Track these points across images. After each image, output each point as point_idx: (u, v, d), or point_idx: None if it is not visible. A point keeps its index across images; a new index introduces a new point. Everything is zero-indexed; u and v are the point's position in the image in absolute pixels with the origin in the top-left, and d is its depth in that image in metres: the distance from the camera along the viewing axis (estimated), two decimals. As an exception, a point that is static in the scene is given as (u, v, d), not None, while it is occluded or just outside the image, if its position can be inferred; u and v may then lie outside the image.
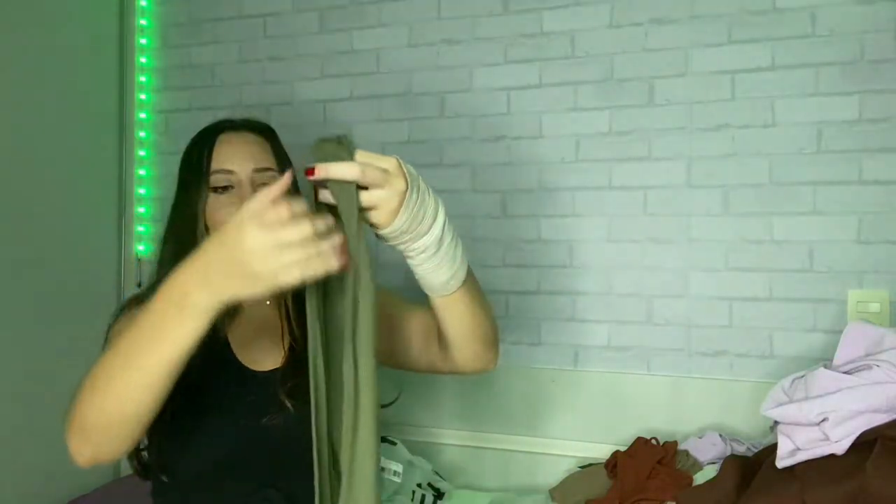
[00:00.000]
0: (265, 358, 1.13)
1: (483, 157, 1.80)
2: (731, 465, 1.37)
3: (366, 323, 0.87)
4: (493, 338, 1.12)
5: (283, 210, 0.76)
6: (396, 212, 0.88)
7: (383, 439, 1.68)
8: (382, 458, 1.59)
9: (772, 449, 1.28)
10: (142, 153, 2.13)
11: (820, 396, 1.20)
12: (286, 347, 1.14)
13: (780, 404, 1.25)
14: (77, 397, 0.87)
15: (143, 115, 2.14)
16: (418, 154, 1.82)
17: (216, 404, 1.07)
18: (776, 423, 1.28)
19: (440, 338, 1.11)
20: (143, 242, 2.12)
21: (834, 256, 1.56)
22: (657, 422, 1.66)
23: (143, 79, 2.14)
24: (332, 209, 0.87)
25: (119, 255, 2.11)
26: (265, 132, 1.21)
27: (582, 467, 1.63)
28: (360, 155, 0.87)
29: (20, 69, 1.83)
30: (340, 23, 1.93)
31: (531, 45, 1.77)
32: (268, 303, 1.19)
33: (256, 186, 1.14)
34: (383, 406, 1.21)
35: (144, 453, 1.10)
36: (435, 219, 0.92)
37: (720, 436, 1.53)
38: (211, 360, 1.08)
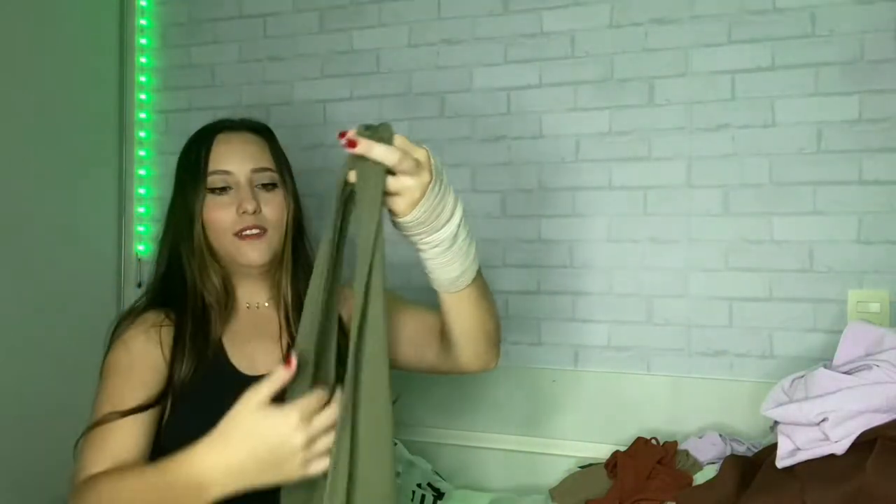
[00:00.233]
0: (262, 360, 1.13)
1: (483, 157, 1.80)
2: (731, 465, 1.37)
3: (377, 319, 0.86)
4: (496, 338, 1.12)
5: (325, 410, 0.84)
6: (417, 202, 0.88)
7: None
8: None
9: (772, 449, 1.28)
10: (142, 153, 2.13)
11: (820, 396, 1.20)
12: (285, 349, 1.14)
13: (780, 404, 1.24)
14: None
15: (143, 115, 2.14)
16: (418, 154, 1.81)
17: (210, 412, 1.06)
18: (776, 423, 1.28)
19: (442, 337, 1.11)
20: (143, 242, 2.12)
21: (834, 256, 1.56)
22: (657, 422, 1.66)
23: (143, 79, 2.14)
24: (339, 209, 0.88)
25: (119, 255, 2.11)
26: (263, 132, 1.20)
27: (582, 467, 1.63)
28: (398, 139, 0.86)
29: (20, 69, 1.83)
30: (340, 23, 1.93)
31: (531, 45, 1.77)
32: (266, 303, 1.19)
33: (254, 187, 1.14)
34: None
35: None
36: (452, 215, 0.92)
37: (720, 436, 1.53)
38: (204, 365, 1.08)
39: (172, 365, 1.07)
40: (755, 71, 1.60)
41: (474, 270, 1.00)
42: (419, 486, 1.64)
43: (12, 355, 1.77)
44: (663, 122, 1.67)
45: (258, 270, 1.15)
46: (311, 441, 0.82)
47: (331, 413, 0.83)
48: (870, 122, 1.53)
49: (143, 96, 2.13)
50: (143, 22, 2.13)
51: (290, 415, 0.82)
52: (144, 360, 1.06)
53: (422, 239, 0.92)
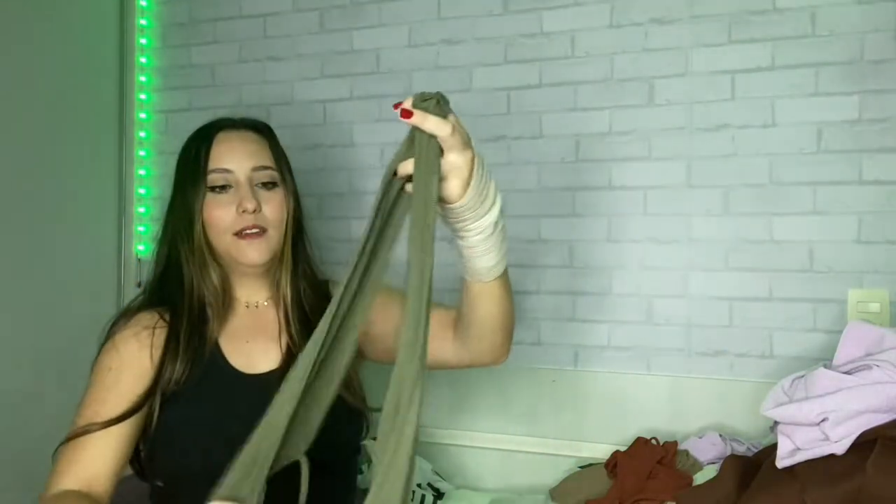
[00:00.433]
0: (260, 360, 1.12)
1: (483, 157, 1.79)
2: (731, 465, 1.37)
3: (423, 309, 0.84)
4: (512, 330, 1.11)
5: None
6: (467, 183, 0.87)
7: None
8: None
9: (772, 449, 1.27)
10: (142, 153, 2.13)
11: (820, 396, 1.20)
12: (284, 348, 1.14)
13: (780, 404, 1.24)
14: None
15: (143, 115, 2.14)
16: (418, 154, 1.81)
17: (207, 412, 1.06)
18: (776, 423, 1.28)
19: (456, 330, 1.10)
20: (143, 242, 2.12)
21: (834, 256, 1.56)
22: (657, 422, 1.66)
23: (143, 79, 2.14)
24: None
25: (119, 255, 2.11)
26: (263, 130, 1.20)
27: (582, 467, 1.63)
28: (451, 117, 0.86)
29: (20, 69, 1.83)
30: (340, 23, 1.93)
31: (531, 45, 1.77)
32: (265, 302, 1.19)
33: (254, 185, 1.13)
34: (381, 409, 1.20)
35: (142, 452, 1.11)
36: (495, 199, 0.92)
37: (720, 436, 1.53)
38: (200, 365, 1.08)
39: (163, 366, 1.06)
40: (755, 71, 1.60)
41: (506, 259, 0.99)
42: (419, 486, 1.64)
43: (12, 355, 1.77)
44: (663, 122, 1.67)
45: (258, 269, 1.15)
46: None
47: None
48: (870, 122, 1.53)
49: (143, 96, 2.13)
50: (143, 22, 2.13)
51: None
52: (132, 366, 1.06)
53: (467, 225, 0.91)
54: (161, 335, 1.09)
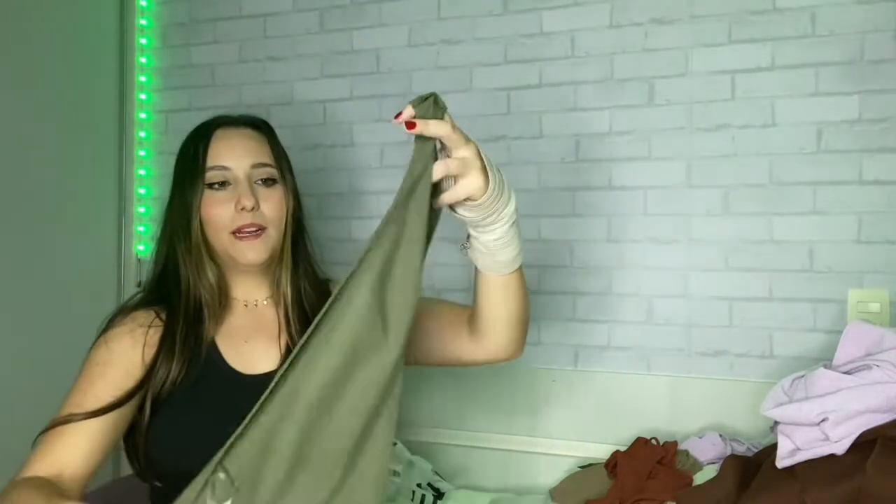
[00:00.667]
0: (259, 360, 1.12)
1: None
2: (731, 465, 1.37)
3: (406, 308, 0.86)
4: (528, 324, 1.12)
5: None
6: (484, 172, 0.89)
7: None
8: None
9: (772, 449, 1.27)
10: (142, 153, 2.13)
11: (820, 396, 1.20)
12: (283, 348, 1.13)
13: (780, 404, 1.24)
14: None
15: (143, 115, 2.14)
16: (418, 154, 1.81)
17: (205, 412, 1.06)
18: (776, 423, 1.28)
19: (471, 327, 1.11)
20: (143, 242, 2.12)
21: (834, 256, 1.56)
22: (657, 422, 1.65)
23: (143, 79, 2.14)
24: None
25: (119, 255, 2.11)
26: (262, 128, 1.19)
27: (582, 467, 1.63)
28: (448, 117, 0.89)
29: (20, 69, 1.83)
30: (340, 23, 1.93)
31: (531, 45, 1.77)
32: (265, 301, 1.18)
33: (253, 183, 1.13)
34: None
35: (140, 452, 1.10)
36: (510, 189, 0.93)
37: (720, 436, 1.53)
38: (197, 365, 1.08)
39: (155, 364, 1.06)
40: (755, 71, 1.60)
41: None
42: (419, 486, 1.64)
43: (12, 355, 1.77)
44: (663, 122, 1.67)
45: (256, 268, 1.14)
46: None
47: None
48: (870, 122, 1.53)
49: (143, 96, 2.13)
50: (143, 22, 2.13)
51: None
52: (122, 362, 1.06)
53: (497, 216, 0.92)
54: (156, 334, 1.09)
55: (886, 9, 1.52)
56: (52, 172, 1.91)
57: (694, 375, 1.65)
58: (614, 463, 1.53)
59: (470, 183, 0.88)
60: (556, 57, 1.75)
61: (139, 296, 1.17)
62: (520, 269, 1.02)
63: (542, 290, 1.76)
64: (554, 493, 1.59)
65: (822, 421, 1.18)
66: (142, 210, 2.13)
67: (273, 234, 1.12)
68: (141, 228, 2.13)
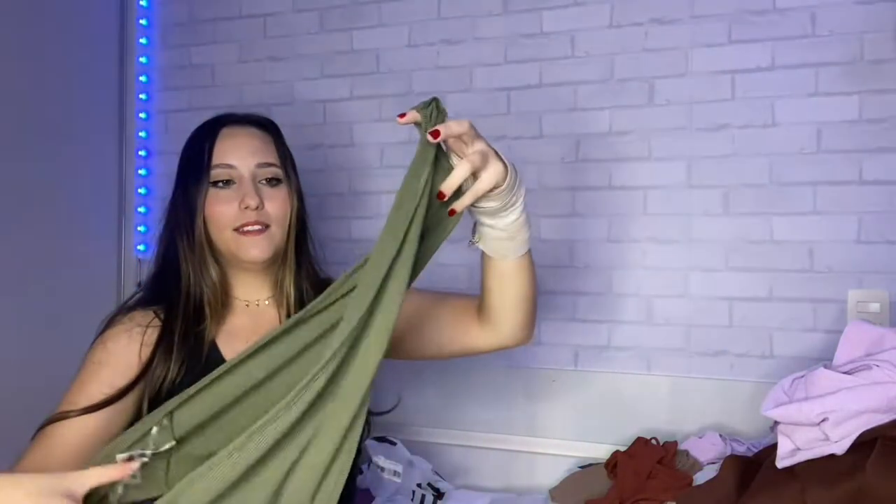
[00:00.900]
0: None
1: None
2: (731, 465, 1.37)
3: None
4: (536, 307, 1.15)
5: None
6: (499, 158, 0.94)
7: (383, 439, 1.68)
8: (382, 458, 1.59)
9: (772, 449, 1.27)
10: (142, 153, 2.13)
11: (820, 396, 1.20)
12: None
13: (780, 404, 1.24)
14: None
15: (143, 115, 2.14)
16: (418, 154, 1.81)
17: None
18: (776, 423, 1.28)
19: (483, 314, 1.12)
20: (143, 243, 2.12)
21: (834, 256, 1.56)
22: (657, 422, 1.65)
23: (143, 79, 2.14)
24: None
25: (119, 255, 2.11)
26: (268, 127, 1.19)
27: (582, 467, 1.63)
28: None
29: (20, 69, 1.83)
30: (340, 23, 1.93)
31: (531, 45, 1.77)
32: (266, 301, 1.18)
33: (257, 182, 1.13)
34: (383, 413, 1.21)
35: None
36: (518, 170, 0.99)
37: (720, 436, 1.53)
38: (196, 364, 1.08)
39: (152, 362, 1.06)
40: (755, 71, 1.60)
41: None
42: (419, 486, 1.64)
43: (12, 356, 1.77)
44: (663, 122, 1.67)
45: (259, 267, 1.14)
46: None
47: None
48: (870, 122, 1.53)
49: (143, 96, 2.13)
50: (143, 22, 2.13)
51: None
52: (117, 361, 1.06)
53: (516, 200, 0.98)
54: (154, 334, 1.09)
55: (886, 9, 1.52)
56: (52, 172, 1.91)
57: (694, 375, 1.65)
58: (614, 463, 1.53)
59: (493, 172, 0.92)
60: (556, 57, 1.75)
61: (138, 295, 1.17)
62: (529, 252, 1.08)
63: (542, 290, 1.74)
64: (554, 493, 1.59)
65: (822, 421, 1.18)
66: (142, 210, 2.13)
67: (276, 234, 1.12)
68: (141, 228, 2.13)
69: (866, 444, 1.15)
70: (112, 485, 0.84)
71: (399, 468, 1.60)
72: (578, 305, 1.74)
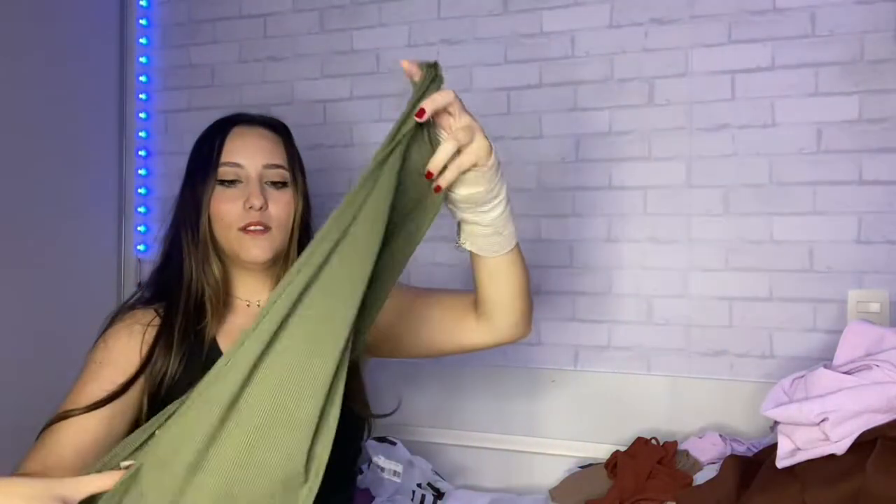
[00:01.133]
0: None
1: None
2: (731, 465, 1.37)
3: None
4: (532, 303, 1.16)
5: None
6: (487, 139, 0.94)
7: (383, 439, 1.68)
8: (382, 458, 1.59)
9: (772, 449, 1.27)
10: (142, 153, 2.13)
11: (820, 396, 1.20)
12: None
13: (780, 404, 1.24)
14: None
15: (143, 115, 2.14)
16: (418, 154, 1.81)
17: None
18: (776, 423, 1.28)
19: (477, 312, 1.12)
20: (143, 243, 2.12)
21: (834, 256, 1.56)
22: (657, 422, 1.65)
23: (143, 79, 2.14)
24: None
25: (119, 255, 2.11)
26: (279, 129, 1.20)
27: (582, 467, 1.63)
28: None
29: (20, 69, 1.83)
30: (340, 23, 1.93)
31: (531, 45, 1.77)
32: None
33: (264, 183, 1.13)
34: (383, 416, 1.22)
35: None
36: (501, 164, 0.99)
37: (720, 436, 1.53)
38: (196, 362, 1.08)
39: (152, 356, 1.06)
40: (755, 71, 1.60)
41: None
42: (419, 486, 1.64)
43: (11, 356, 1.77)
44: (663, 122, 1.67)
45: (259, 267, 1.15)
46: None
47: None
48: (870, 122, 1.53)
49: (143, 96, 2.13)
50: (143, 22, 2.13)
51: None
52: (119, 359, 1.06)
53: (499, 188, 0.97)
54: (154, 332, 1.09)
55: (886, 9, 1.52)
56: (52, 172, 1.91)
57: (694, 375, 1.65)
58: (614, 463, 1.53)
59: (478, 147, 0.93)
60: (556, 57, 1.75)
61: (138, 294, 1.17)
62: (518, 247, 1.07)
63: (541, 290, 1.76)
64: (554, 493, 1.59)
65: (823, 421, 1.18)
66: (142, 210, 2.13)
67: (278, 236, 1.13)
68: (141, 228, 2.13)
69: (866, 444, 1.15)
70: (111, 492, 0.84)
71: (399, 468, 1.60)
72: (578, 305, 1.74)
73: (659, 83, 1.67)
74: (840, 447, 1.16)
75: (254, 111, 1.25)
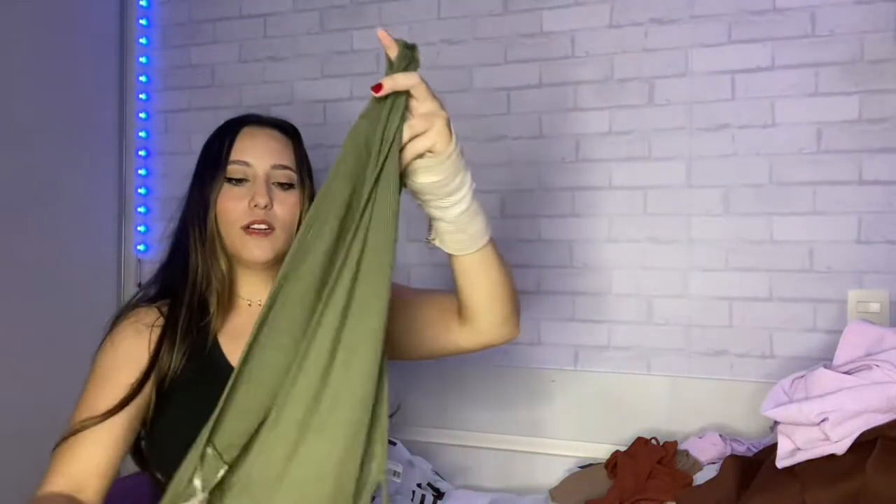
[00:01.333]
0: None
1: (483, 157, 1.80)
2: (731, 465, 1.37)
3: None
4: (516, 302, 1.13)
5: None
6: (448, 126, 0.93)
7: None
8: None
9: (772, 449, 1.28)
10: (142, 153, 2.13)
11: (820, 396, 1.20)
12: None
13: (780, 404, 1.24)
14: None
15: (143, 115, 2.14)
16: (418, 154, 1.81)
17: (204, 408, 1.06)
18: (776, 423, 1.28)
19: (461, 314, 1.12)
20: (143, 243, 2.12)
21: (834, 256, 1.56)
22: (657, 422, 1.65)
23: (143, 79, 2.14)
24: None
25: (119, 255, 2.11)
26: (289, 131, 1.21)
27: (582, 467, 1.63)
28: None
29: (20, 69, 1.83)
30: (340, 23, 1.93)
31: (531, 45, 1.77)
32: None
33: (270, 183, 1.14)
34: None
35: (143, 442, 1.11)
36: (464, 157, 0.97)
37: (720, 436, 1.53)
38: (199, 359, 1.08)
39: (158, 353, 1.07)
40: (755, 71, 1.60)
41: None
42: (419, 486, 1.64)
43: (12, 356, 1.77)
44: (663, 122, 1.67)
45: (261, 267, 1.15)
46: None
47: None
48: (870, 122, 1.53)
49: (143, 96, 2.13)
50: (143, 22, 2.13)
51: None
52: (128, 360, 1.06)
53: (458, 182, 0.96)
54: (159, 331, 1.10)
55: (886, 9, 1.52)
56: (52, 172, 1.91)
57: (694, 375, 1.65)
58: (614, 463, 1.54)
59: (434, 133, 0.92)
60: (556, 57, 1.75)
61: (142, 293, 1.17)
62: (492, 244, 1.05)
63: (541, 290, 1.76)
64: (554, 493, 1.59)
65: (822, 421, 1.18)
66: (142, 210, 2.13)
67: (281, 236, 1.14)
68: (141, 228, 2.13)
69: (866, 444, 1.15)
70: None
71: (399, 468, 1.60)
72: (578, 305, 1.74)
73: (659, 83, 1.67)
74: (840, 447, 1.16)
75: (253, 111, 1.26)
